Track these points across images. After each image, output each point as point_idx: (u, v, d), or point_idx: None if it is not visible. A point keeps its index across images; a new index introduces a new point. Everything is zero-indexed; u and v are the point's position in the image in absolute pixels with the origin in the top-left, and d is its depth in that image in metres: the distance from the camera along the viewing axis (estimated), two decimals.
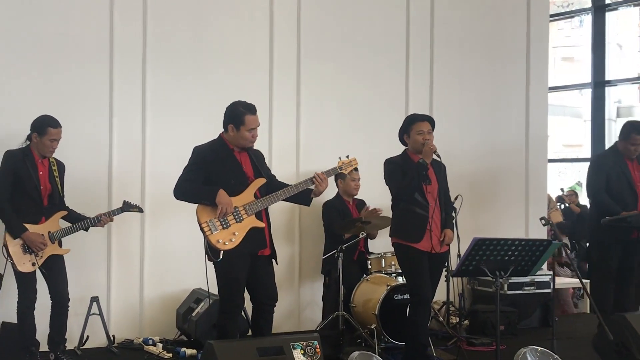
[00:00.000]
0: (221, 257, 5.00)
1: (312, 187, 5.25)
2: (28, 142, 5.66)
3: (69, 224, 5.75)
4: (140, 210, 6.11)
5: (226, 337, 5.09)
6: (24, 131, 5.78)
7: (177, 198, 5.21)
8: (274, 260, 5.35)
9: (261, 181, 5.23)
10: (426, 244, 5.57)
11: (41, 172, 5.63)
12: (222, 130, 5.26)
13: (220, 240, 5.01)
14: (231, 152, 5.21)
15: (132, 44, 6.86)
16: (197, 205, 5.10)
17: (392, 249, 6.82)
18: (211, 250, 5.01)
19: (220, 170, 5.13)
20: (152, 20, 6.93)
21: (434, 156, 5.56)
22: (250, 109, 5.20)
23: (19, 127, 6.04)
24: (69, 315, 6.07)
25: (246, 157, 5.28)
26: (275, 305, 5.36)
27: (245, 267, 5.12)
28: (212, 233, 5.01)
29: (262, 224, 5.18)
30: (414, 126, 5.72)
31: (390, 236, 5.82)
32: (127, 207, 5.97)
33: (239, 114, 5.16)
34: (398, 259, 5.89)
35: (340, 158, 5.40)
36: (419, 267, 5.57)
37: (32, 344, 5.67)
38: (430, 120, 5.78)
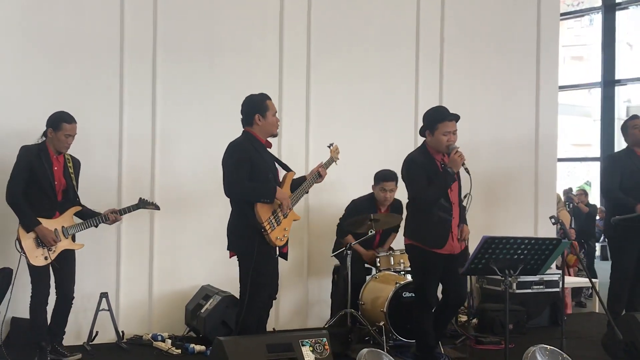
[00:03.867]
0: (278, 253, 5.19)
1: (319, 179, 5.51)
2: (44, 138, 5.71)
3: (82, 220, 5.79)
4: (157, 207, 6.10)
5: (247, 333, 5.12)
6: (33, 126, 5.82)
7: (230, 197, 5.23)
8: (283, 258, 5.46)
9: (292, 175, 5.43)
10: (448, 247, 5.42)
11: (56, 168, 5.68)
12: (243, 127, 5.32)
13: (278, 237, 5.16)
14: (264, 146, 5.30)
15: (143, 39, 6.88)
16: (256, 203, 5.10)
17: (401, 247, 6.87)
18: (272, 249, 5.13)
19: (261, 163, 5.19)
20: (162, 16, 6.94)
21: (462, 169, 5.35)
22: (267, 95, 5.34)
23: (29, 122, 6.10)
24: (78, 310, 6.13)
25: (271, 155, 5.42)
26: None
27: (277, 264, 5.28)
28: (272, 230, 5.11)
29: (299, 217, 5.43)
30: (441, 125, 5.38)
31: (406, 236, 5.61)
32: (142, 204, 5.98)
33: (260, 101, 5.28)
34: (411, 260, 5.73)
35: (329, 147, 5.76)
36: (432, 273, 5.44)
37: (43, 339, 5.68)
38: (457, 119, 5.46)
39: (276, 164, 5.43)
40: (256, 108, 5.25)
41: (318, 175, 5.50)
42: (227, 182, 5.14)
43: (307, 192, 5.67)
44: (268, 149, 5.41)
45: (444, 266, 5.46)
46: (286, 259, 5.49)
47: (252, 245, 5.05)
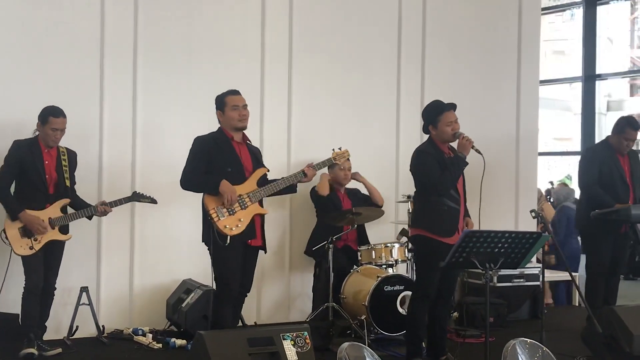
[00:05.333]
0: (228, 241, 5.19)
1: (305, 179, 5.52)
2: (38, 132, 5.78)
3: (74, 211, 5.86)
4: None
5: (221, 325, 5.19)
6: (12, 120, 5.79)
7: (184, 189, 5.41)
8: (262, 251, 5.52)
9: (263, 171, 5.48)
10: (455, 237, 5.41)
11: (47, 162, 5.75)
12: (218, 124, 5.46)
13: (227, 226, 5.20)
14: (229, 142, 5.36)
15: (124, 33, 6.83)
16: (203, 194, 5.27)
17: (383, 241, 6.89)
18: (219, 236, 5.18)
19: (219, 158, 5.31)
20: (143, 9, 6.90)
21: (473, 150, 5.41)
22: (232, 90, 5.46)
23: (7, 116, 6.05)
24: (58, 305, 6.11)
25: (245, 149, 5.48)
26: (246, 296, 5.53)
27: (239, 255, 5.30)
28: (219, 219, 5.20)
29: (265, 211, 5.45)
30: (443, 117, 5.47)
31: (413, 227, 5.64)
32: (136, 197, 6.02)
33: (220, 98, 5.45)
34: (418, 251, 5.72)
35: (333, 150, 5.73)
36: (437, 263, 5.33)
37: (30, 331, 5.69)
38: (455, 108, 5.56)
39: (251, 158, 5.46)
40: (217, 105, 5.45)
41: (303, 174, 5.50)
42: (182, 174, 5.35)
43: (295, 191, 5.71)
44: (247, 142, 5.48)
45: None
46: (265, 251, 5.53)
47: (209, 236, 5.23)
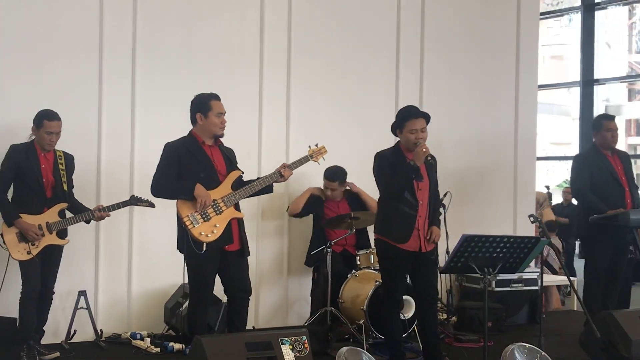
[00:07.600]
0: (204, 249, 5.12)
1: (281, 179, 5.41)
2: (34, 136, 5.76)
3: (72, 216, 5.83)
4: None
5: (194, 330, 5.17)
6: (10, 123, 5.77)
7: (155, 196, 5.36)
8: (256, 255, 5.45)
9: (237, 174, 5.38)
10: (413, 243, 5.42)
11: (43, 166, 5.73)
12: (192, 126, 5.39)
13: (203, 233, 5.13)
14: (200, 147, 5.31)
15: (122, 36, 6.82)
16: (176, 200, 5.20)
17: None
18: (195, 243, 5.11)
19: (190, 163, 5.23)
20: (142, 13, 6.89)
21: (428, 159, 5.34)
22: (214, 95, 5.36)
23: (4, 119, 6.04)
24: (56, 309, 6.10)
25: (218, 152, 5.39)
26: (248, 299, 5.44)
27: (213, 262, 5.24)
28: (194, 226, 5.13)
29: (241, 215, 5.35)
30: (407, 123, 5.45)
31: (374, 232, 5.67)
32: (134, 201, 5.99)
33: (204, 101, 5.32)
34: (378, 255, 5.74)
35: (309, 147, 5.61)
36: (398, 268, 5.47)
37: (30, 337, 5.67)
38: (425, 117, 5.51)
39: (224, 161, 5.38)
40: (199, 107, 5.32)
41: (279, 175, 5.40)
42: (152, 180, 5.27)
43: (271, 191, 5.56)
44: (219, 147, 5.38)
45: (412, 264, 5.48)
46: (245, 254, 5.41)
47: (183, 242, 5.18)
